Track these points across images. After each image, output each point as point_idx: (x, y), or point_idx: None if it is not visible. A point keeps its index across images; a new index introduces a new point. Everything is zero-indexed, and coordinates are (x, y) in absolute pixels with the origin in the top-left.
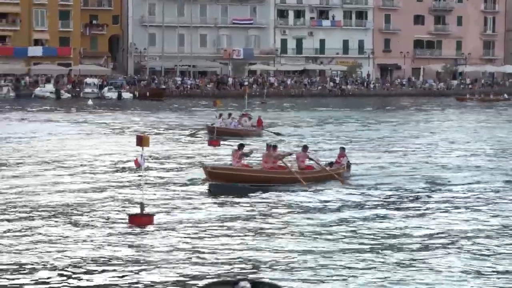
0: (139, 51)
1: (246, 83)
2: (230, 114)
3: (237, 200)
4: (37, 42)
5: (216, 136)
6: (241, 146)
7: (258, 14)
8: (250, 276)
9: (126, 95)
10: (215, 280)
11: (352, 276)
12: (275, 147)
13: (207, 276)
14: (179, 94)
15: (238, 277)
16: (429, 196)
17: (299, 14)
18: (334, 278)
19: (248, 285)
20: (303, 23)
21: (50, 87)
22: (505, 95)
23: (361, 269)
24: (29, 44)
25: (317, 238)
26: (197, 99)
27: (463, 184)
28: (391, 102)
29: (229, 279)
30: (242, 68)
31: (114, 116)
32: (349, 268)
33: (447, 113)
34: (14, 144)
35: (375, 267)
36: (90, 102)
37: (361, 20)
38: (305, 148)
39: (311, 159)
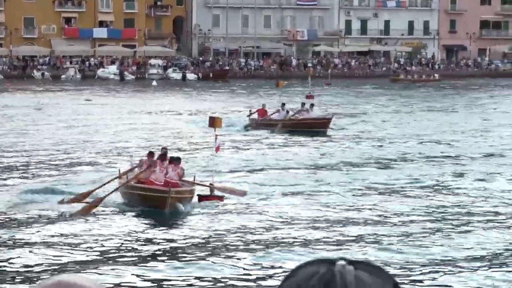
0: (203, 32)
1: (310, 64)
2: (283, 104)
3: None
4: (102, 24)
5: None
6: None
7: None
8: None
9: (191, 76)
10: (312, 258)
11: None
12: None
13: (300, 256)
14: (242, 75)
15: (336, 255)
16: None
17: None
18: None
19: (347, 263)
20: (367, 4)
21: (113, 68)
22: (436, 75)
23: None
24: (94, 26)
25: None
26: (260, 80)
27: None
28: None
29: (327, 257)
30: (306, 50)
31: (178, 96)
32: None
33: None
34: (79, 125)
35: None
36: (154, 83)
37: (426, 0)
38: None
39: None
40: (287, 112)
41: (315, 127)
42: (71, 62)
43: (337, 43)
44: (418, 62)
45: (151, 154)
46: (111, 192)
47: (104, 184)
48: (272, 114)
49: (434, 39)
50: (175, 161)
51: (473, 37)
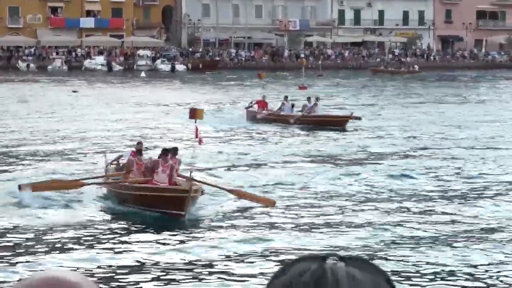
0: (193, 22)
1: (302, 55)
2: (286, 97)
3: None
4: (89, 13)
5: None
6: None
7: None
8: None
9: (180, 67)
10: (303, 255)
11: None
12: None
13: (292, 252)
14: (233, 66)
15: (327, 252)
16: None
17: None
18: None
19: (338, 260)
20: None
21: (100, 59)
22: (416, 67)
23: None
24: (81, 16)
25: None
26: (252, 71)
27: None
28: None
29: (317, 254)
30: (298, 40)
31: (166, 87)
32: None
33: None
34: (64, 117)
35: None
36: (143, 74)
37: None
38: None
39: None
40: (292, 105)
41: (333, 125)
42: (57, 53)
43: (330, 34)
44: (413, 53)
45: (139, 152)
46: (90, 184)
47: (88, 178)
48: (278, 109)
49: (429, 30)
50: (173, 152)
51: (470, 28)
